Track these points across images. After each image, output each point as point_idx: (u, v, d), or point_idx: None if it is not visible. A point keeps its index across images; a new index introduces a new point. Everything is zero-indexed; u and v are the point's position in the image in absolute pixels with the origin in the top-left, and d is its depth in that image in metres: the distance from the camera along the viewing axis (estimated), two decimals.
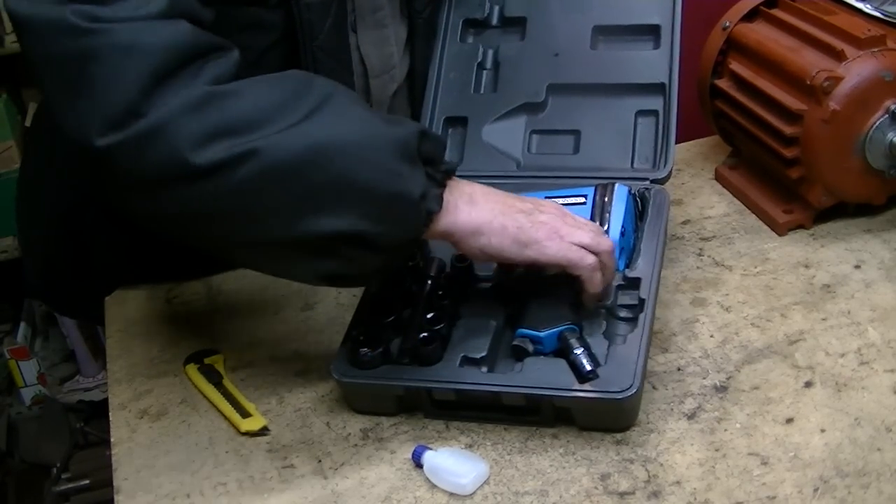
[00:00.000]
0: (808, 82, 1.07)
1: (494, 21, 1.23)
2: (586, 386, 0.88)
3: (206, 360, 1.07)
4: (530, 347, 0.93)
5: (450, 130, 1.19)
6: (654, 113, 1.13)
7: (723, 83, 1.23)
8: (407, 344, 0.95)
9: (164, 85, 0.80)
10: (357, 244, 0.85)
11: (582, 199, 1.04)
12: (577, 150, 1.15)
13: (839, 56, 1.08)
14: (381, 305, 1.00)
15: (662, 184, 1.09)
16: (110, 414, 1.03)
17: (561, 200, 1.01)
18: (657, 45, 1.15)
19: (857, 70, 1.06)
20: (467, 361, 0.93)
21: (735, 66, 1.21)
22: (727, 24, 1.23)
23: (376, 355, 0.94)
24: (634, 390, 0.86)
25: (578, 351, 0.90)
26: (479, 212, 0.90)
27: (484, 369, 0.93)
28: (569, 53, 1.18)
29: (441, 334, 0.95)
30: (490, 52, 1.22)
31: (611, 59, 1.17)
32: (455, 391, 0.91)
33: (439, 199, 0.88)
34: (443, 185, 0.89)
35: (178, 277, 1.24)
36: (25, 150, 1.34)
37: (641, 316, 0.94)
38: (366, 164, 0.84)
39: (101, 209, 1.18)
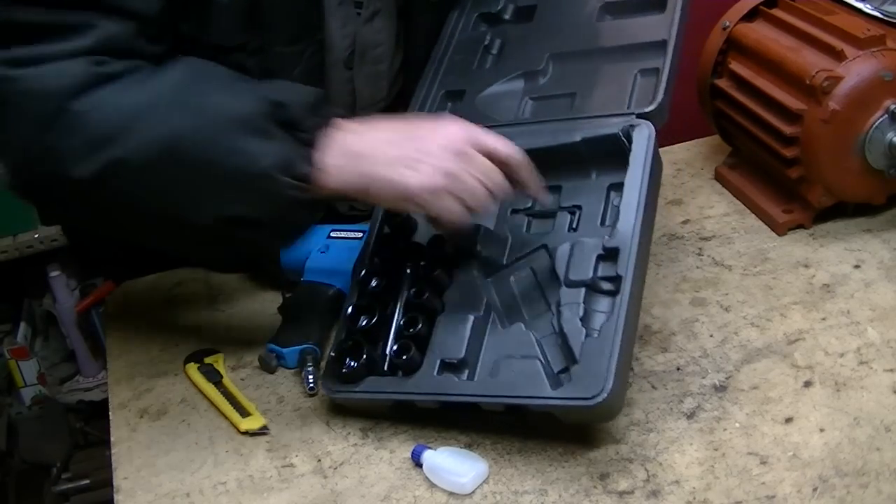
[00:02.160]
0: (808, 82, 1.07)
1: (507, 15, 1.22)
2: (558, 392, 0.86)
3: (206, 360, 1.07)
4: (274, 362, 1.04)
5: (448, 104, 1.16)
6: (655, 71, 1.05)
7: (723, 83, 1.23)
8: (384, 357, 0.96)
9: (56, 120, 0.88)
10: (242, 225, 0.90)
11: (360, 235, 1.11)
12: (571, 108, 1.08)
13: (839, 56, 1.08)
14: (362, 307, 0.99)
15: (651, 120, 0.98)
16: (110, 413, 1.03)
17: (342, 234, 1.13)
18: (662, 12, 1.10)
19: (857, 70, 1.06)
20: (446, 367, 0.93)
21: (735, 65, 1.21)
22: (727, 24, 1.23)
23: (360, 367, 0.94)
24: (605, 395, 0.82)
25: (309, 369, 1.01)
26: (359, 166, 0.90)
27: (464, 374, 0.92)
28: (574, 27, 1.15)
29: (419, 336, 0.95)
30: (498, 40, 1.19)
31: (614, 27, 1.14)
32: (436, 402, 0.92)
33: (310, 160, 0.89)
34: (312, 144, 0.90)
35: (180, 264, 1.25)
36: None
37: (617, 299, 0.88)
38: (211, 152, 0.88)
39: None
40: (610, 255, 0.91)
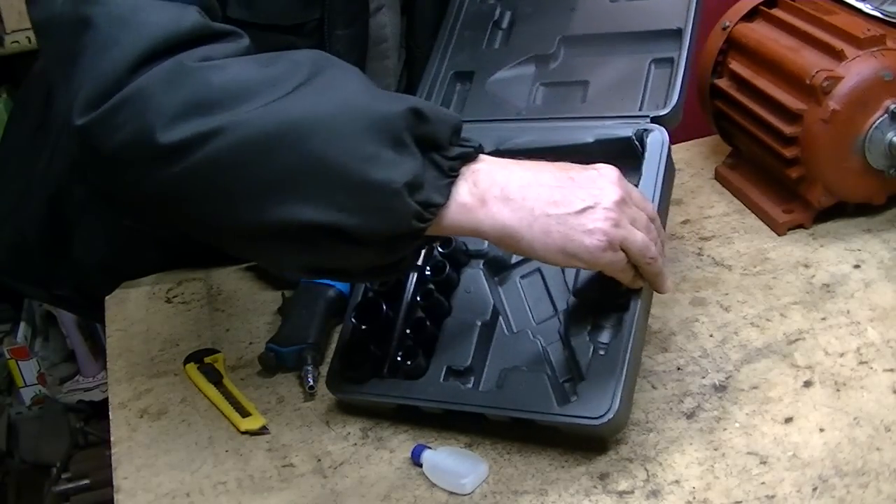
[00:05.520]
0: (808, 82, 1.07)
1: None
2: (565, 409, 0.86)
3: (206, 360, 1.07)
4: (274, 361, 1.04)
5: (457, 85, 1.13)
6: (670, 61, 1.03)
7: (723, 83, 1.23)
8: (389, 360, 0.96)
9: (152, 63, 0.76)
10: (335, 236, 0.77)
11: None
12: (584, 100, 1.05)
13: (839, 56, 1.08)
14: (367, 306, 0.99)
15: (664, 124, 0.97)
16: (110, 413, 1.03)
17: None
18: None
19: (857, 70, 1.06)
20: (452, 374, 0.93)
21: (735, 65, 1.21)
22: (727, 24, 1.23)
23: (365, 368, 0.95)
24: (612, 415, 0.83)
25: (308, 369, 1.01)
26: (512, 212, 0.79)
27: (470, 382, 0.92)
28: (585, 7, 1.12)
29: (425, 342, 0.95)
30: (508, 13, 1.15)
31: (628, 9, 1.10)
32: (441, 409, 0.92)
33: (443, 190, 0.78)
34: (451, 174, 0.79)
35: (170, 267, 1.24)
36: (7, 129, 1.33)
37: (626, 315, 0.87)
38: (337, 146, 0.75)
39: (90, 194, 1.19)
40: None
